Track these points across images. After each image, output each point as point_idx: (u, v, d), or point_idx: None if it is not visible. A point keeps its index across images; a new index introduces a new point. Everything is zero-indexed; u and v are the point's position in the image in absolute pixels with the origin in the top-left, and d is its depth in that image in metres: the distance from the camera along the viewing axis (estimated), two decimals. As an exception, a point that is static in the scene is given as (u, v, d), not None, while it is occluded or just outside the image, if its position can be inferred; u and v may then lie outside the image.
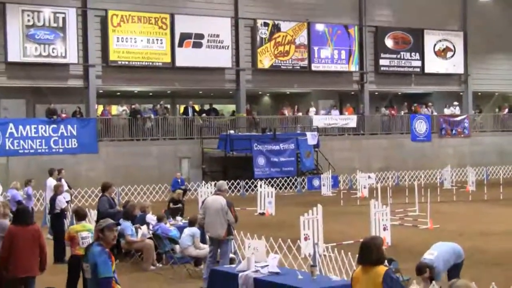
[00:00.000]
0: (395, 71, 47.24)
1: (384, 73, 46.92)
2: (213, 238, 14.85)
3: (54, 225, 19.02)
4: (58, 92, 37.72)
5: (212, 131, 40.38)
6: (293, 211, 25.75)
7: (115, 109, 42.02)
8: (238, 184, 36.67)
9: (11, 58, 35.73)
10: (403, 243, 19.21)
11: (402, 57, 47.39)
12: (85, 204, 30.26)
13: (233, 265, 13.16)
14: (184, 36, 39.92)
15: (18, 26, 35.74)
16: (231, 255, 15.24)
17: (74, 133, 36.21)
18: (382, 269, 7.51)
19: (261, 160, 37.75)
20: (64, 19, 36.84)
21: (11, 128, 34.85)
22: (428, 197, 24.49)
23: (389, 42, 46.96)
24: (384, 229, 19.41)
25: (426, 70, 48.16)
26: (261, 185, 29.06)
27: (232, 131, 39.13)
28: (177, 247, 16.92)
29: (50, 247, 15.97)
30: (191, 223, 16.80)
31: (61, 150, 35.75)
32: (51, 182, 22.79)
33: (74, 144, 36.17)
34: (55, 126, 35.82)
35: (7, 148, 34.62)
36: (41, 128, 35.54)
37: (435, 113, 47.79)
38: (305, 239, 17.68)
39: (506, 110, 51.12)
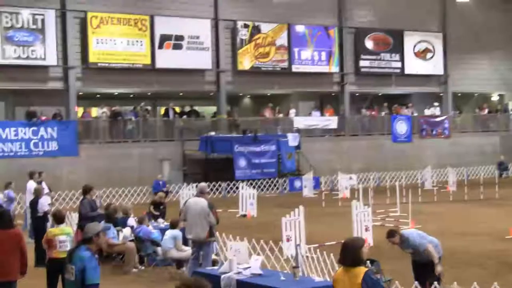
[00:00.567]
0: (376, 72, 47.38)
1: (364, 74, 47.04)
2: (195, 240, 14.84)
3: (36, 229, 18.88)
4: (38, 94, 37.49)
5: (193, 133, 40.28)
6: (275, 212, 25.77)
7: (95, 111, 41.90)
8: (219, 185, 36.64)
9: (-10, 60, 35.54)
10: (385, 243, 19.21)
11: (382, 58, 47.55)
12: (66, 207, 30.07)
13: (216, 267, 13.15)
14: (164, 38, 39.83)
15: (-4, 28, 35.58)
16: (214, 257, 15.23)
17: (54, 135, 36.03)
18: (362, 270, 7.56)
19: (242, 162, 37.74)
20: (43, 20, 36.64)
21: (-10, 131, 34.68)
22: (409, 198, 24.60)
23: (369, 43, 47.09)
24: (366, 229, 19.49)
25: (406, 71, 48.33)
26: (242, 187, 29.07)
27: (213, 133, 39.12)
28: (159, 249, 16.90)
29: (31, 251, 15.87)
30: (173, 226, 16.77)
31: (41, 153, 35.57)
32: (32, 185, 22.65)
33: (54, 147, 36.00)
34: (35, 128, 35.62)
35: (-14, 151, 34.42)
36: (21, 130, 35.32)
37: (415, 114, 48.02)
38: (287, 240, 17.70)
39: (486, 110, 51.45)
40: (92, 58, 37.91)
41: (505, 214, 26.11)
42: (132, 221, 18.42)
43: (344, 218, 22.37)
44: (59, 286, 12.57)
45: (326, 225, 23.90)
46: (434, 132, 47.66)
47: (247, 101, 50.91)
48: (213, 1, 41.71)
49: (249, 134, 38.97)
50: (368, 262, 11.75)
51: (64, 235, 12.86)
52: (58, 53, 37.19)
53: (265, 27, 43.29)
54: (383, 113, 47.33)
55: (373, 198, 28.01)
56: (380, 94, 50.01)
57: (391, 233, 12.24)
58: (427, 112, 48.70)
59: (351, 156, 44.15)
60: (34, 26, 36.45)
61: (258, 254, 14.52)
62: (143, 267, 17.34)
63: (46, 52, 36.73)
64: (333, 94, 47.32)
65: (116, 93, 42.84)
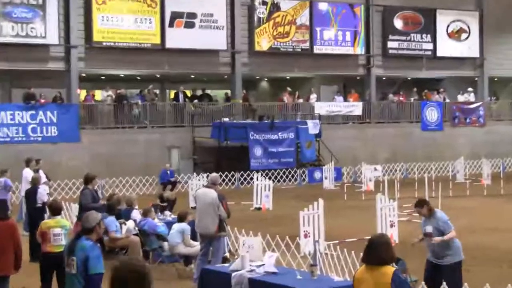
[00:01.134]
0: (405, 54, 47.14)
1: (392, 56, 46.83)
2: (204, 235, 14.81)
3: (33, 221, 18.89)
4: (37, 75, 37.59)
5: (205, 119, 40.29)
6: (292, 205, 25.81)
7: (99, 94, 41.99)
8: (232, 176, 36.65)
9: (-14, 38, 35.69)
10: (411, 240, 19.12)
11: (412, 39, 47.28)
12: (65, 197, 30.19)
13: (226, 264, 13.13)
14: (175, 15, 39.79)
15: (-7, 3, 35.69)
16: (226, 254, 15.22)
17: (54, 120, 36.13)
18: (389, 269, 7.53)
19: (258, 151, 37.71)
20: (43, -5, 36.75)
21: (-15, 115, 34.86)
22: (439, 191, 24.50)
23: (398, 23, 46.85)
24: (391, 225, 19.42)
25: (438, 54, 48.05)
26: (257, 178, 29.04)
27: (226, 119, 39.06)
28: (166, 244, 16.88)
29: (26, 245, 15.92)
30: (181, 219, 16.76)
31: (39, 139, 35.68)
32: (27, 173, 22.70)
33: (54, 132, 36.10)
34: (33, 112, 35.73)
35: (-20, 136, 34.63)
36: (18, 114, 35.43)
37: (447, 100, 47.79)
38: (305, 236, 17.66)
39: (525, 97, 51.17)
40: (96, 37, 37.93)
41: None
42: (136, 213, 18.42)
43: (367, 213, 22.31)
44: (53, 282, 12.63)
45: (348, 220, 23.86)
46: (467, 120, 47.43)
47: (264, 85, 50.84)
48: (228, -24, 41.69)
49: (266, 121, 38.93)
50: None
51: (59, 228, 12.85)
52: (59, 31, 37.26)
53: (285, 5, 43.17)
54: (412, 99, 47.13)
55: (399, 191, 27.93)
56: (409, 78, 49.78)
57: (421, 202, 12.61)
58: (461, 98, 48.44)
59: (376, 145, 44.01)
60: (34, 2, 36.50)
61: (273, 251, 14.51)
62: (147, 263, 17.31)
63: (47, 30, 36.79)
64: (358, 77, 47.16)
65: (122, 75, 42.88)
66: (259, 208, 27.82)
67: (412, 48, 47.39)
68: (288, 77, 47.10)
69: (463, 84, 49.37)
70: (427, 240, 12.29)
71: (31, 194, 19.15)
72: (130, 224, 17.60)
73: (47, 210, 15.93)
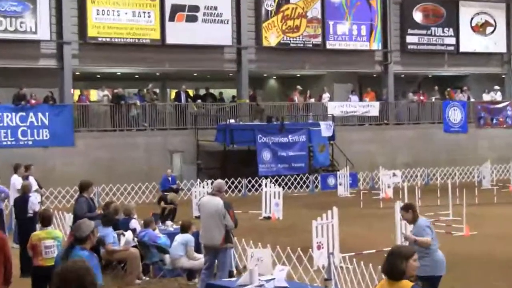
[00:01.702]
0: (425, 50, 47.14)
1: (411, 52, 46.83)
2: (208, 247, 14.80)
3: (24, 232, 18.85)
4: (27, 74, 37.63)
5: (209, 121, 40.36)
6: (304, 214, 25.79)
7: (94, 94, 42.05)
8: (239, 183, 36.65)
9: (-28, 33, 35.81)
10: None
11: (433, 33, 47.27)
12: (58, 206, 30.21)
13: (233, 279, 13.11)
14: (176, 9, 39.84)
15: (-21, -4, 35.80)
16: (231, 268, 15.20)
17: (46, 122, 36.19)
18: (406, 284, 7.53)
19: (266, 155, 37.71)
20: (34, -12, 36.85)
21: (-29, 117, 34.96)
22: (464, 199, 24.40)
23: (417, 16, 46.84)
24: (412, 236, 19.34)
25: (462, 49, 48.03)
26: (266, 184, 29.02)
27: (232, 121, 39.10)
28: (167, 257, 16.88)
29: (16, 258, 15.91)
30: (184, 229, 16.75)
31: (30, 142, 35.76)
32: (16, 180, 22.64)
33: (46, 136, 36.16)
34: (23, 114, 35.81)
35: (-34, 140, 34.71)
36: (7, 116, 35.53)
37: (472, 99, 47.68)
38: (318, 248, 17.62)
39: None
40: (91, 32, 38.00)
41: None
42: (135, 223, 18.40)
43: (385, 222, 22.26)
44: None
45: (365, 230, 23.84)
46: (494, 121, 47.26)
47: (273, 83, 50.88)
48: (234, -35, 41.74)
49: (275, 122, 38.94)
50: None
51: (51, 239, 12.84)
52: (51, 25, 37.33)
53: (295, -4, 43.25)
54: (433, 98, 47.09)
55: (420, 199, 27.87)
56: (430, 76, 49.77)
57: (407, 206, 12.92)
58: (486, 97, 48.33)
59: (395, 148, 44.00)
60: (24, -6, 36.64)
61: (284, 264, 14.48)
62: (148, 278, 17.32)
63: (38, 25, 36.88)
64: (374, 75, 47.17)
65: (119, 73, 42.96)
66: (269, 218, 27.79)
67: (433, 43, 47.38)
68: (298, 75, 47.13)
69: (488, 82, 49.32)
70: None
71: (20, 203, 19.11)
72: (128, 235, 17.55)
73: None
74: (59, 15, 37.59)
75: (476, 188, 32.82)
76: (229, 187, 34.79)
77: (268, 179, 31.57)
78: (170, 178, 32.50)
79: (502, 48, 49.63)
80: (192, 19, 40.28)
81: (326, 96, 44.38)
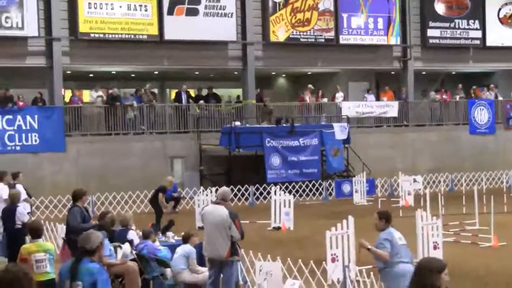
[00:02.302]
0: (448, 45, 47.15)
1: (433, 47, 46.85)
2: (213, 260, 14.85)
3: (12, 244, 18.92)
4: (14, 73, 37.80)
5: (213, 123, 40.40)
6: (317, 224, 25.80)
7: (87, 95, 42.10)
8: (246, 190, 36.64)
9: (-46, 30, 35.96)
10: (459, 265, 19.15)
11: (456, 26, 47.27)
12: (50, 216, 30.31)
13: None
14: (175, 1, 39.93)
15: (-38, -11, 35.96)
16: (238, 282, 15.25)
17: (35, 126, 36.29)
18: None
19: (275, 160, 37.75)
20: (21, -21, 36.99)
21: (-47, 121, 35.09)
22: (492, 206, 24.41)
23: (440, 7, 46.86)
24: (435, 247, 19.39)
25: (488, 43, 48.03)
26: (275, 192, 29.04)
27: (238, 123, 39.13)
28: (168, 271, 16.93)
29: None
30: (186, 240, 16.80)
31: (18, 148, 35.87)
32: (3, 189, 22.72)
33: (35, 140, 36.26)
34: (10, 117, 35.92)
35: (-51, 146, 34.86)
36: (-8, 120, 35.72)
37: (500, 98, 47.69)
38: (333, 260, 17.67)
39: None
40: (82, 28, 38.10)
41: None
42: (133, 234, 18.43)
43: (405, 232, 22.14)
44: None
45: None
46: (524, 122, 47.35)
47: (282, 82, 50.94)
48: (238, -46, 41.84)
49: (285, 125, 38.98)
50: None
51: (42, 252, 12.91)
52: (39, 21, 37.43)
53: (305, -13, 43.34)
54: (457, 97, 47.07)
55: (444, 207, 27.87)
56: (453, 73, 49.77)
57: (382, 215, 13.09)
58: (515, 95, 48.45)
59: (416, 152, 44.01)
60: (10, -13, 36.79)
61: (295, 278, 14.53)
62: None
63: (25, 20, 36.97)
64: (392, 72, 47.21)
65: (114, 72, 43.04)
66: (278, 228, 27.81)
67: (457, 37, 47.36)
68: (309, 73, 47.19)
69: (518, 79, 49.40)
70: None
71: (8, 214, 19.18)
72: (126, 247, 17.60)
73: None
74: (48, 10, 37.69)
75: (504, 194, 32.76)
76: (235, 195, 34.73)
77: (278, 186, 31.58)
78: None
79: (533, 42, 49.63)
80: (193, 12, 40.35)
81: (340, 95, 44.39)
